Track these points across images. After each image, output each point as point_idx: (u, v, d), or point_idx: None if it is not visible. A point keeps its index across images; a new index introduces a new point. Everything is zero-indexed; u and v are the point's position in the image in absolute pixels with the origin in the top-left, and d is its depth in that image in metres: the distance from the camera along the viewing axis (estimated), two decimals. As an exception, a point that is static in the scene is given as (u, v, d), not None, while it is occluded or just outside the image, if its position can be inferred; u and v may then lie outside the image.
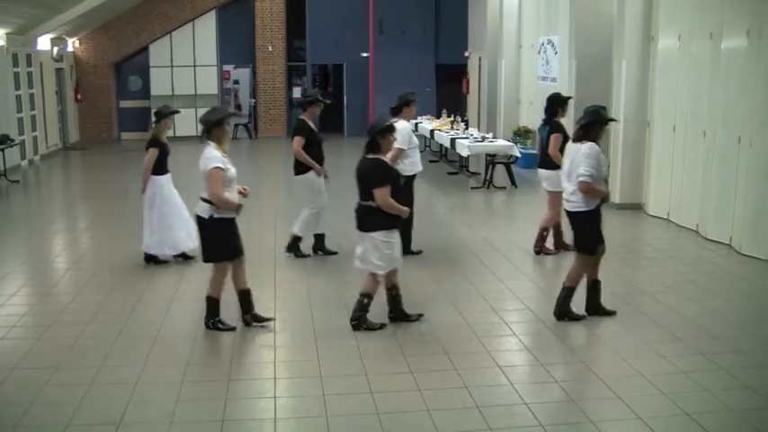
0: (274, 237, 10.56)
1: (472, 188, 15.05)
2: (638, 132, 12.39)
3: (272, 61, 24.42)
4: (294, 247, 9.68)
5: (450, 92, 23.79)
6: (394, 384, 5.94)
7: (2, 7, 15.58)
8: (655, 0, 11.94)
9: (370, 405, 5.58)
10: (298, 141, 9.34)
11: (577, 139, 7.23)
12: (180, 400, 5.68)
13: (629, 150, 12.48)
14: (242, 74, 24.91)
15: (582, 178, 6.99)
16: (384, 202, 6.79)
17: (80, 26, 21.73)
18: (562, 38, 15.25)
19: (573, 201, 7.20)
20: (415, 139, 9.41)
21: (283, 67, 24.61)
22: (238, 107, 25.32)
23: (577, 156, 7.12)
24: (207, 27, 24.00)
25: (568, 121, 9.55)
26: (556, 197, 9.16)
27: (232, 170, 6.90)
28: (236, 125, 24.48)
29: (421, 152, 20.16)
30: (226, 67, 24.57)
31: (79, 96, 23.19)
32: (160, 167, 9.19)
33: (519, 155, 15.32)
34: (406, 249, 9.58)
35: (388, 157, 7.07)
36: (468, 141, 15.48)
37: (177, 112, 9.65)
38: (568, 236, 8.37)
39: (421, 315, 7.35)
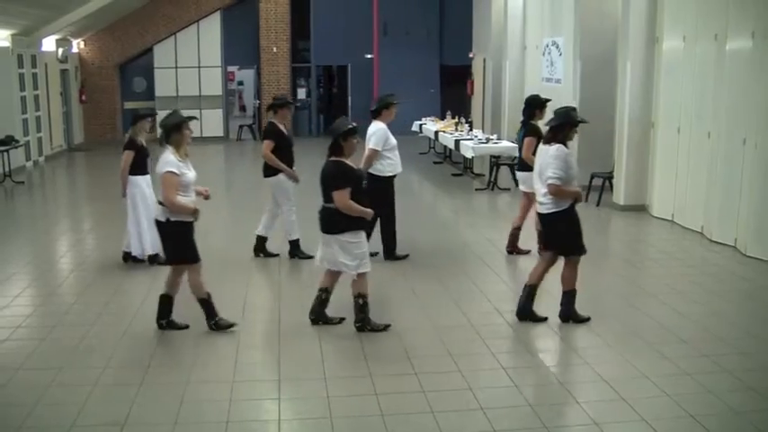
0: (275, 239, 10.56)
1: (476, 189, 15.04)
2: (643, 134, 12.38)
3: (277, 62, 24.44)
4: (293, 251, 9.70)
5: (454, 93, 23.78)
6: (398, 386, 5.94)
7: (6, 8, 15.61)
8: (659, 1, 11.93)
9: (375, 406, 5.58)
10: (267, 145, 9.37)
11: (547, 140, 7.24)
12: (184, 401, 5.69)
13: (633, 152, 12.47)
14: (246, 75, 24.93)
15: (551, 180, 6.99)
16: (343, 204, 6.78)
17: (85, 27, 21.77)
18: (566, 39, 15.23)
19: (545, 203, 7.19)
20: (393, 140, 9.31)
21: (288, 68, 24.63)
22: (243, 108, 25.35)
23: (546, 158, 7.12)
24: (211, 28, 24.05)
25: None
26: (530, 198, 9.14)
27: (189, 174, 6.91)
28: (241, 126, 24.55)
29: (425, 153, 20.35)
30: (230, 69, 24.59)
31: (84, 97, 23.24)
32: (137, 168, 9.27)
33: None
34: (391, 254, 9.60)
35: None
36: (473, 143, 15.49)
37: (154, 114, 9.82)
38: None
39: (343, 319, 7.30)
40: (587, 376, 6.16)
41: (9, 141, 16.32)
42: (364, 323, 7.06)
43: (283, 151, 9.42)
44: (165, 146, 6.93)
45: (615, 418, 5.44)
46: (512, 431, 5.25)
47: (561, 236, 7.21)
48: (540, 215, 7.32)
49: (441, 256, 9.83)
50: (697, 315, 7.52)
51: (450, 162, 18.40)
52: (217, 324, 7.11)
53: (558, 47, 16.01)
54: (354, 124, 7.07)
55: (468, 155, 15.60)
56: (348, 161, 6.97)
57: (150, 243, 9.23)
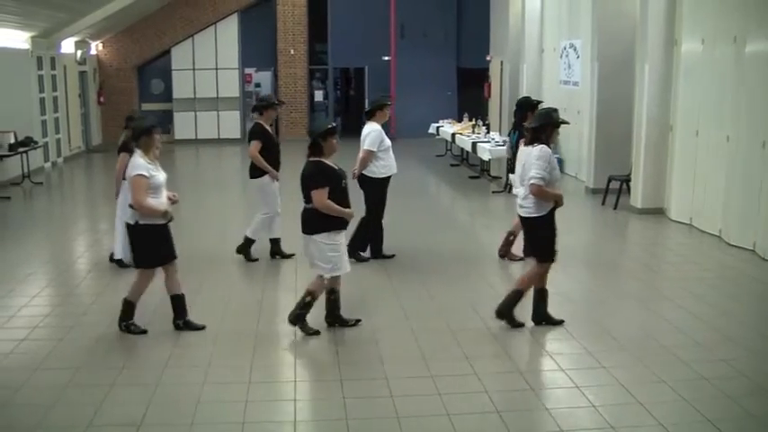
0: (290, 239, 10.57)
1: (493, 192, 15.01)
2: (661, 136, 12.31)
3: (294, 65, 24.49)
4: (245, 249, 9.70)
5: (471, 96, 23.74)
6: (414, 388, 5.93)
7: (27, 11, 15.73)
8: (678, 3, 11.86)
9: (391, 409, 5.57)
10: (255, 145, 9.37)
11: (529, 142, 7.21)
12: (200, 401, 5.71)
13: (651, 154, 12.40)
14: (264, 77, 24.99)
15: (533, 181, 6.94)
16: (321, 203, 6.78)
17: (103, 29, 21.90)
18: (584, 41, 15.19)
19: (526, 206, 7.15)
20: (388, 141, 9.31)
21: (305, 70, 24.67)
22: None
23: (529, 159, 7.09)
24: (229, 30, 24.12)
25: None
26: None
27: (159, 177, 6.94)
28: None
29: (442, 156, 20.34)
30: (248, 71, 24.65)
31: (102, 99, 23.37)
32: None
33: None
34: (378, 253, 9.59)
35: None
36: (490, 145, 15.47)
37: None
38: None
39: (359, 321, 7.32)
40: (604, 380, 6.13)
41: (28, 142, 16.43)
42: (297, 319, 7.05)
43: (270, 152, 9.41)
44: (134, 149, 7.00)
45: (632, 422, 5.41)
46: (527, 434, 5.24)
47: (540, 241, 7.17)
48: (521, 218, 7.30)
49: (456, 258, 9.81)
50: (714, 319, 7.46)
51: (468, 164, 18.37)
52: (186, 323, 7.19)
53: (575, 49, 15.97)
54: (334, 124, 7.09)
55: (485, 157, 15.58)
56: (328, 161, 6.96)
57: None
